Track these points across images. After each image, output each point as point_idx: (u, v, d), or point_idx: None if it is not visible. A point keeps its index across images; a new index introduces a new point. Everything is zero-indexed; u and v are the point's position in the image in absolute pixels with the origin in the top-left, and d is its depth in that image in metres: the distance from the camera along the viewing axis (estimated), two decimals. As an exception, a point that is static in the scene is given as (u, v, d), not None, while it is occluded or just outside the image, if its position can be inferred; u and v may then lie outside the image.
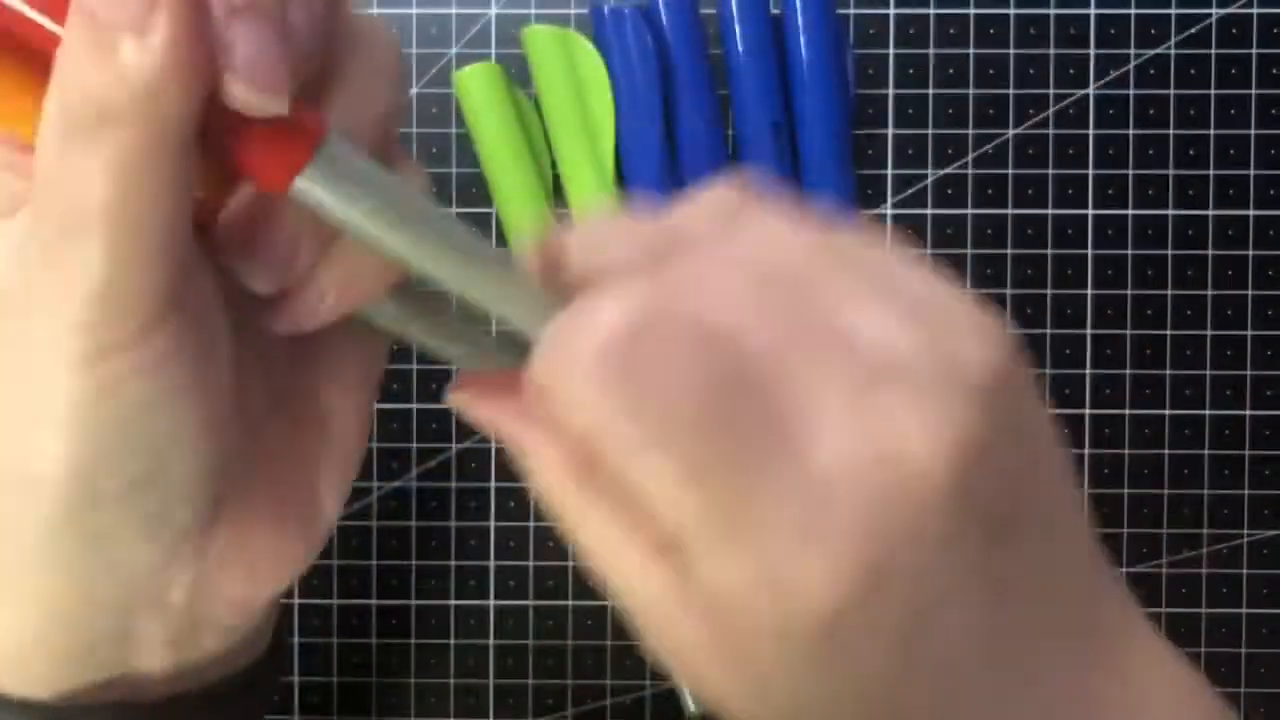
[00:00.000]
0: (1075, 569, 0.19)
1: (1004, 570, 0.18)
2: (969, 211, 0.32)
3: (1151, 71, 0.32)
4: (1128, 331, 0.32)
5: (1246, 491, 0.32)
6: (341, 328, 0.20)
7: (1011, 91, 0.32)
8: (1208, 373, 0.32)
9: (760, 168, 0.31)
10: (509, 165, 0.31)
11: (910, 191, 0.32)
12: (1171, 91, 0.32)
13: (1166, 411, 0.32)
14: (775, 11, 0.31)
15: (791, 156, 0.31)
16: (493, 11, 0.32)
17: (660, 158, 0.31)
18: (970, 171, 0.32)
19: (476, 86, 0.30)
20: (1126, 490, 0.32)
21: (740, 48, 0.31)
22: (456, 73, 0.31)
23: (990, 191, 0.32)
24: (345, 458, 0.22)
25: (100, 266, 0.17)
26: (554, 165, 0.31)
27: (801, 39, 0.31)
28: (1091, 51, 0.32)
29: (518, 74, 0.32)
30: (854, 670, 0.18)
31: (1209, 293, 0.32)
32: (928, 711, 0.18)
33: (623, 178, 0.31)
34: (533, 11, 0.32)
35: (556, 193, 0.32)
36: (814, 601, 0.17)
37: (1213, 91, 0.32)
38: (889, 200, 0.32)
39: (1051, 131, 0.32)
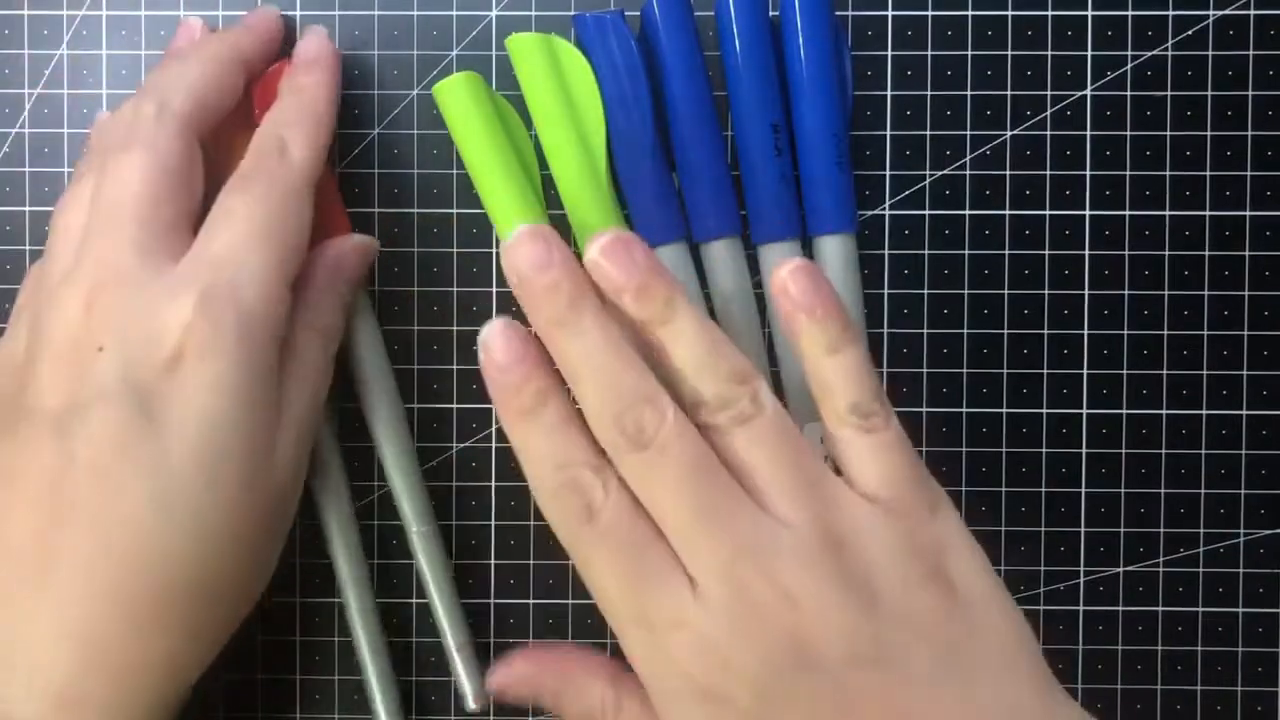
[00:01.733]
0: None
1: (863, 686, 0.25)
2: (967, 212, 0.32)
3: (1149, 73, 0.32)
4: (1124, 332, 0.32)
5: (1243, 491, 0.32)
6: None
7: (1009, 93, 0.32)
8: (1204, 373, 0.32)
9: (759, 170, 0.31)
10: (496, 174, 0.30)
11: (908, 193, 0.32)
12: (1169, 93, 0.32)
13: (1163, 411, 0.32)
14: (773, 14, 0.32)
15: (790, 158, 0.31)
16: (494, 13, 0.32)
17: (653, 162, 0.31)
18: (968, 173, 0.32)
19: (455, 98, 0.30)
20: (1123, 490, 0.32)
21: (738, 48, 0.31)
22: (435, 86, 0.30)
23: (988, 192, 0.32)
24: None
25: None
26: (545, 168, 0.31)
27: (800, 40, 0.31)
28: (1089, 53, 0.32)
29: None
30: None
31: (1206, 293, 0.32)
32: None
33: (617, 182, 0.31)
34: (533, 14, 0.32)
35: (548, 196, 0.32)
36: (676, 666, 0.25)
37: (1210, 93, 0.32)
38: (887, 201, 0.32)
39: (1049, 133, 0.32)
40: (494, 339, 0.28)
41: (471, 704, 0.32)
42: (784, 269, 0.28)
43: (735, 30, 0.31)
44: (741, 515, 0.26)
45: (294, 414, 0.27)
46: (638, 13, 0.32)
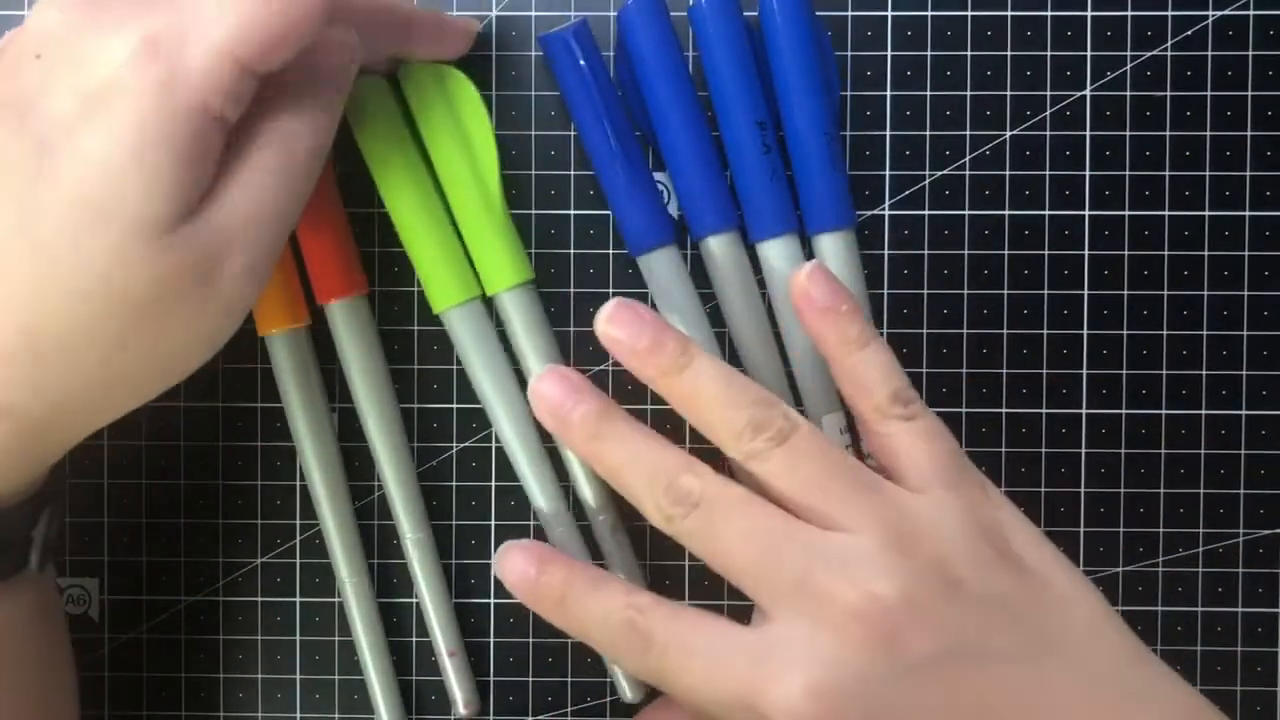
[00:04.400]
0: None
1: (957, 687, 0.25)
2: (966, 213, 0.32)
3: (1148, 73, 0.32)
4: (1124, 332, 0.32)
5: (1242, 491, 0.32)
6: None
7: (1009, 93, 0.32)
8: (1204, 373, 0.32)
9: (749, 168, 0.31)
10: (398, 177, 0.31)
11: (908, 193, 0.32)
12: (1168, 93, 0.32)
13: (1163, 411, 0.32)
14: (753, 14, 0.31)
15: (780, 156, 0.31)
16: (494, 13, 0.32)
17: (627, 170, 0.31)
18: (968, 173, 0.32)
19: (365, 101, 0.30)
20: (1123, 490, 0.32)
21: (715, 45, 0.31)
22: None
23: (988, 193, 0.32)
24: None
25: None
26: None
27: (781, 41, 0.31)
28: (1088, 53, 0.32)
29: (517, 75, 0.32)
30: None
31: (1205, 293, 0.32)
32: None
33: (606, 190, 0.31)
34: (534, 14, 0.32)
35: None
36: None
37: (1209, 93, 0.32)
38: (887, 201, 0.32)
39: (1049, 133, 0.32)
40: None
41: (462, 710, 0.32)
42: (802, 273, 0.28)
43: (712, 30, 0.31)
44: (803, 538, 0.26)
45: (230, 225, 0.24)
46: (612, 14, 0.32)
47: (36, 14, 0.25)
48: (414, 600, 0.33)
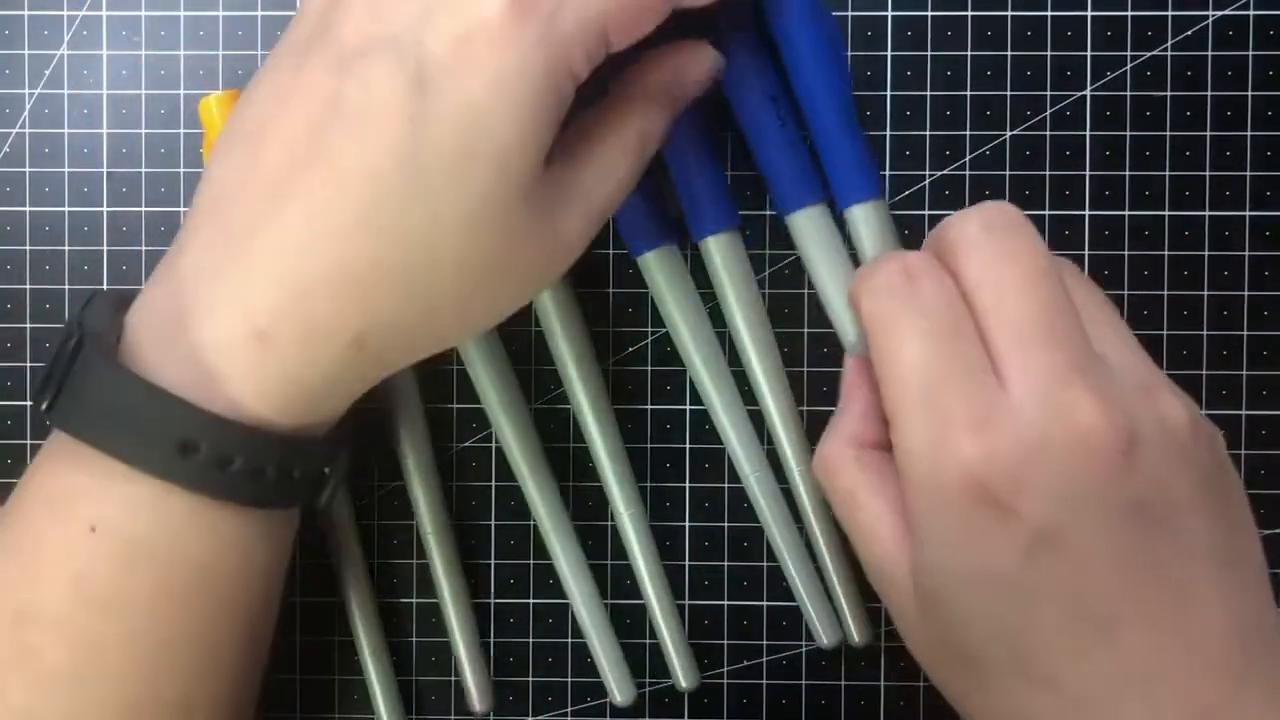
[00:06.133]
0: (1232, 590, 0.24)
1: (1145, 545, 0.23)
2: (966, 212, 0.32)
3: (1148, 73, 0.32)
4: (1124, 332, 0.32)
5: (1242, 491, 0.32)
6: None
7: (1009, 93, 0.32)
8: (1204, 373, 0.32)
9: (768, 142, 0.30)
10: None
11: (908, 192, 0.32)
12: (1168, 93, 0.32)
13: (1163, 411, 0.32)
14: None
15: (795, 128, 0.30)
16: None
17: None
18: (968, 173, 0.32)
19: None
20: (1123, 490, 0.32)
21: (721, 23, 0.30)
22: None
23: (988, 193, 0.32)
24: (596, 202, 0.27)
25: None
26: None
27: (786, 19, 0.30)
28: (1088, 53, 0.32)
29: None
30: (986, 555, 0.23)
31: (1205, 293, 0.32)
32: (1053, 632, 0.23)
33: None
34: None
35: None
36: (963, 464, 0.23)
37: (1209, 93, 0.32)
38: (887, 201, 0.32)
39: (1049, 133, 0.32)
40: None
41: (477, 706, 0.32)
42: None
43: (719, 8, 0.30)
44: (1080, 335, 0.24)
45: (575, 189, 0.26)
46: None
47: None
48: (414, 600, 0.33)
